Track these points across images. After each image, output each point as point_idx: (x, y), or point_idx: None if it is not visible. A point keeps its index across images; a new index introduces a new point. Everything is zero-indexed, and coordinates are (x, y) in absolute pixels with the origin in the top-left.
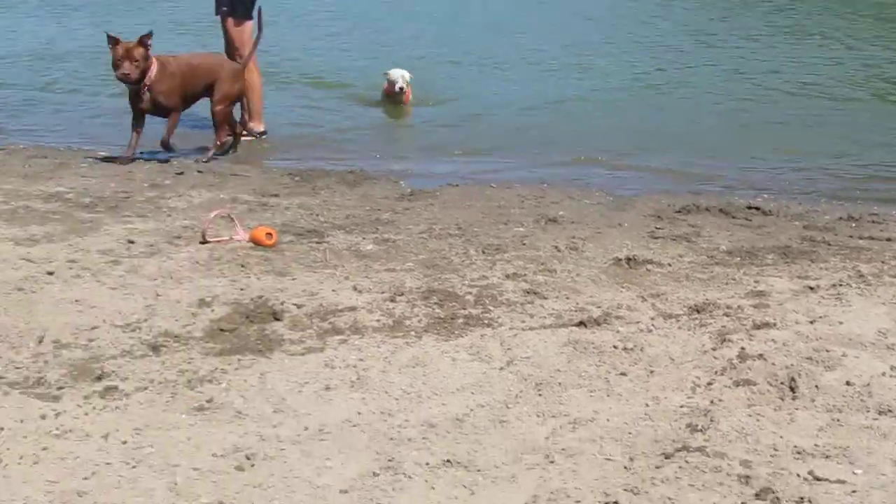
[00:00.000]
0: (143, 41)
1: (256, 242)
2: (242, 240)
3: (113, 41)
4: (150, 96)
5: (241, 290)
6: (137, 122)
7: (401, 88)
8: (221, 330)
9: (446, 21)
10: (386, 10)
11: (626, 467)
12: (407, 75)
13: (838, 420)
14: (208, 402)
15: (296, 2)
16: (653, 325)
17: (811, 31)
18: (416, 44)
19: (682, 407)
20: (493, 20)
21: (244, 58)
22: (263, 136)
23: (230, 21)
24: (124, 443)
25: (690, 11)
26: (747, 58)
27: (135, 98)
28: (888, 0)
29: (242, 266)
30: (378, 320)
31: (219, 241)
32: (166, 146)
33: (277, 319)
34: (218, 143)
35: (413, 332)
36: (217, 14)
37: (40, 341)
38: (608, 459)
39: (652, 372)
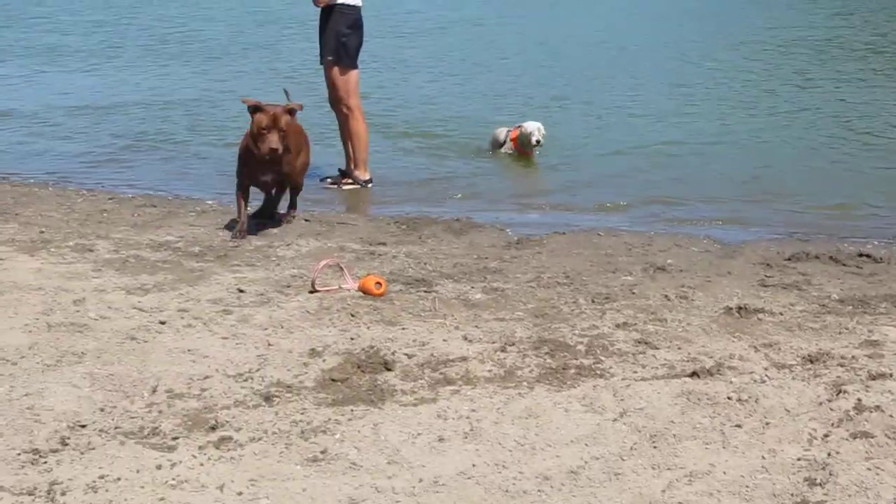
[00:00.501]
0: (290, 110)
1: (365, 292)
2: (351, 289)
3: (254, 108)
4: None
5: (352, 339)
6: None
7: (538, 141)
8: (333, 380)
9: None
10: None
11: None
12: (542, 128)
13: None
14: (322, 452)
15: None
16: (766, 375)
17: None
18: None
19: (799, 460)
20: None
21: (350, 107)
22: (369, 185)
23: (336, 70)
24: (240, 494)
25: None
26: (848, 101)
27: (262, 168)
28: None
29: (352, 315)
30: (489, 370)
31: (328, 290)
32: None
33: (389, 370)
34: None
35: (525, 383)
36: (321, 63)
37: (154, 391)
38: None
39: (767, 424)
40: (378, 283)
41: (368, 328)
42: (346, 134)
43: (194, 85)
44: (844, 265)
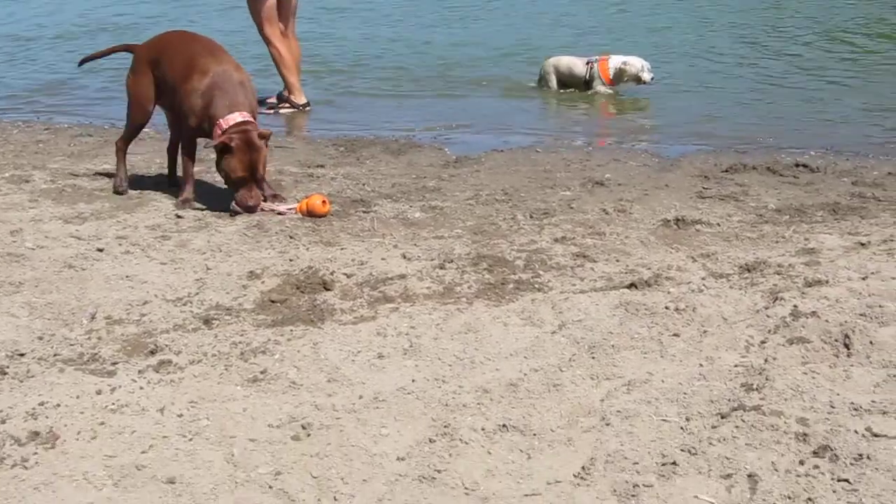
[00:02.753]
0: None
1: (311, 211)
2: (291, 211)
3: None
4: None
5: (291, 261)
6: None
7: (652, 79)
8: (272, 301)
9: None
10: None
11: (682, 428)
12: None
13: (894, 376)
14: (262, 373)
15: None
16: (704, 285)
17: None
18: None
19: (736, 366)
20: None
21: (266, 35)
22: (307, 109)
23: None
24: (180, 416)
25: None
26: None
27: None
28: None
29: (291, 237)
30: (428, 287)
31: (269, 211)
32: None
33: (328, 289)
34: None
35: (464, 299)
36: None
37: (93, 318)
38: (664, 420)
39: (705, 332)
40: (323, 201)
41: (307, 249)
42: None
43: (124, 11)
44: (781, 175)
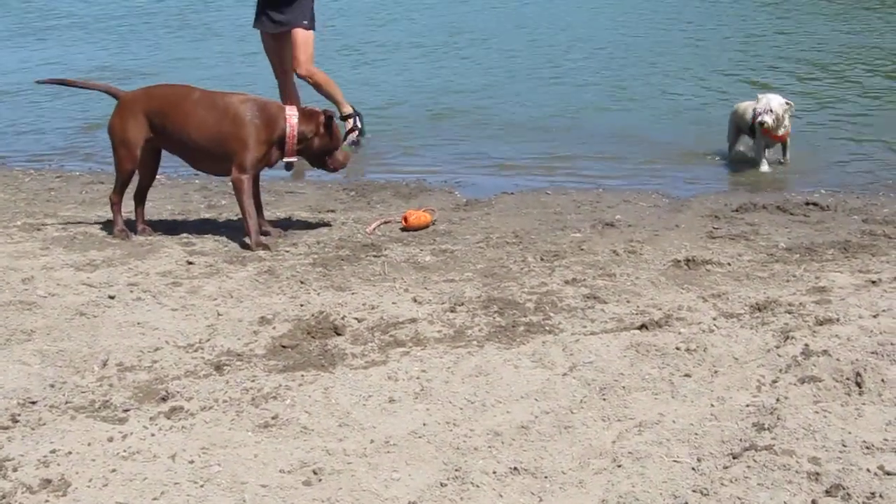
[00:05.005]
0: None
1: (413, 221)
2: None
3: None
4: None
5: (301, 306)
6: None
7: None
8: (283, 346)
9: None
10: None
11: (693, 468)
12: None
13: None
14: (273, 418)
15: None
16: (715, 325)
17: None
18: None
19: (747, 406)
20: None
21: (312, 72)
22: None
23: (307, 35)
24: (191, 462)
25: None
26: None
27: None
28: None
29: (302, 283)
30: (439, 331)
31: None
32: None
33: (339, 334)
34: None
35: (475, 342)
36: (277, 30)
37: (104, 365)
38: (675, 461)
39: (716, 372)
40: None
41: (318, 294)
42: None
43: (143, 57)
44: (792, 214)
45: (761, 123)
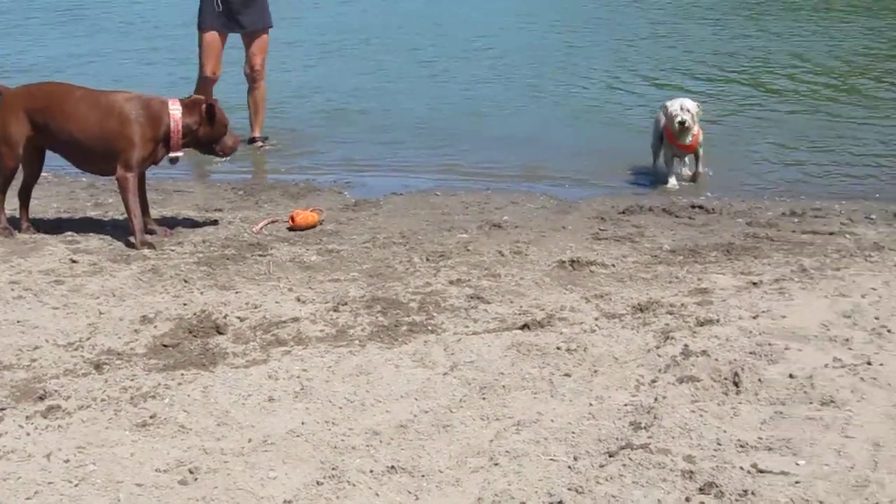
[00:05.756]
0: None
1: (300, 221)
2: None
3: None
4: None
5: (184, 304)
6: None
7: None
8: (164, 346)
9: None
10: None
11: (570, 467)
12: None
13: (781, 413)
14: (151, 417)
15: None
16: (596, 325)
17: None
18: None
19: (626, 405)
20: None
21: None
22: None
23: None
24: (66, 461)
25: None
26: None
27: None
28: None
29: (185, 281)
30: (321, 330)
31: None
32: None
33: (221, 333)
34: None
35: (357, 341)
36: (249, 30)
37: None
38: (552, 460)
39: (596, 372)
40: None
41: (202, 293)
42: (258, 97)
43: (26, 53)
44: (677, 216)
45: (681, 122)
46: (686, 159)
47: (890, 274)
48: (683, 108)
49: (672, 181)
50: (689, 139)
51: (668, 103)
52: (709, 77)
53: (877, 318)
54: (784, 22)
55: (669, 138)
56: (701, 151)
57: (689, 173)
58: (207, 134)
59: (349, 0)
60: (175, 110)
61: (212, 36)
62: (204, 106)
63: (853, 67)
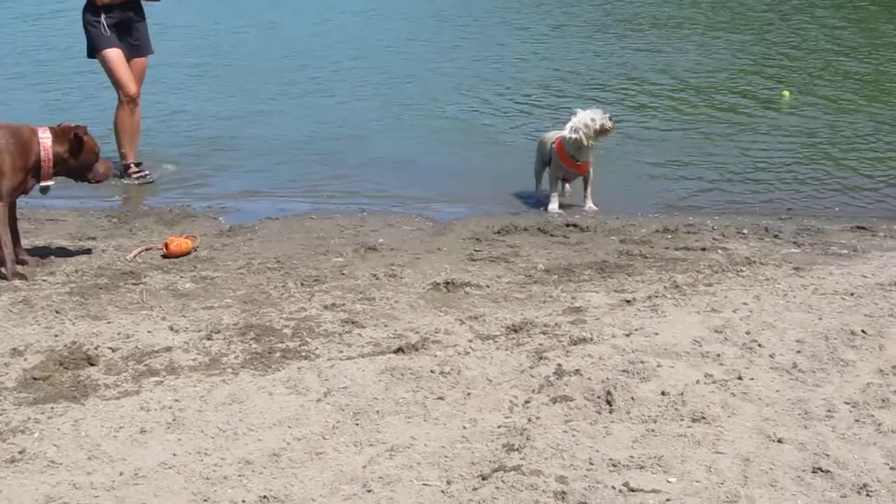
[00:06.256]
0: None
1: (173, 248)
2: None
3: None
4: None
5: (56, 336)
6: None
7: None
8: (35, 378)
9: None
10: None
11: (443, 491)
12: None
13: (653, 430)
14: (20, 453)
15: None
16: (470, 347)
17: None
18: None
19: (499, 427)
20: None
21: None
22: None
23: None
24: None
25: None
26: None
27: None
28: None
29: (57, 312)
30: (194, 359)
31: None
32: None
33: (92, 364)
34: None
35: (230, 369)
36: (143, 55)
37: None
38: (425, 485)
39: (469, 394)
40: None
41: (73, 324)
42: (134, 124)
43: None
44: (552, 236)
45: (602, 128)
46: (568, 186)
47: (761, 288)
48: (582, 122)
49: (554, 206)
50: (581, 158)
51: (579, 114)
52: (578, 95)
53: (748, 333)
54: (648, 39)
55: (561, 154)
56: (591, 174)
57: (569, 196)
58: (80, 162)
59: (219, 22)
60: (45, 138)
61: (116, 53)
62: (72, 133)
63: (719, 83)
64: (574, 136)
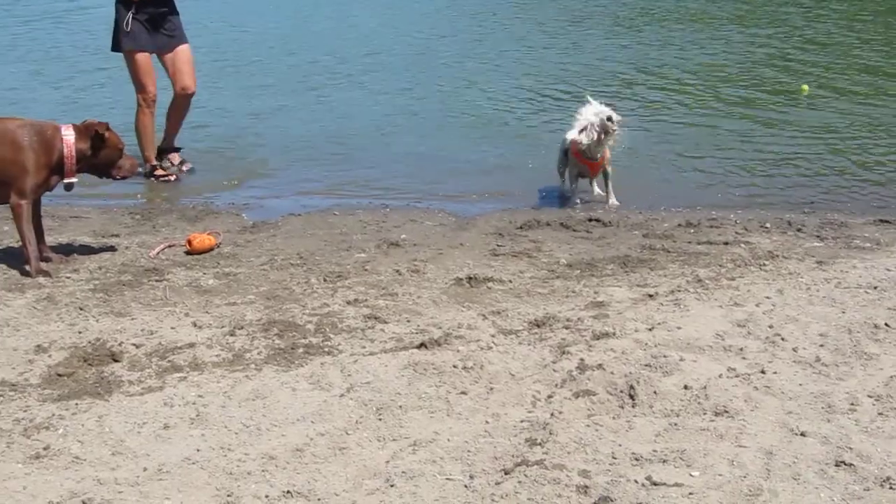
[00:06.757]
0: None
1: (197, 243)
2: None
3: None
4: None
5: (80, 333)
6: None
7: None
8: (59, 375)
9: None
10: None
11: (466, 486)
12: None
13: (676, 424)
14: (45, 449)
15: None
16: (493, 342)
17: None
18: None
19: (522, 422)
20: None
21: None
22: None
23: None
24: None
25: None
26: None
27: None
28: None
29: (81, 309)
30: (217, 355)
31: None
32: None
33: (116, 361)
34: None
35: (253, 365)
36: (168, 51)
37: None
38: (448, 479)
39: (492, 389)
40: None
41: (97, 321)
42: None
43: None
44: (574, 230)
45: (609, 120)
46: (595, 183)
47: (784, 282)
48: (585, 124)
49: (572, 198)
50: (598, 155)
51: (584, 110)
52: (602, 90)
53: (770, 327)
54: (667, 33)
55: (575, 152)
56: (610, 170)
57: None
58: (103, 158)
59: (238, 24)
60: (68, 136)
61: (143, 56)
62: (95, 131)
63: (738, 77)
64: (580, 137)
